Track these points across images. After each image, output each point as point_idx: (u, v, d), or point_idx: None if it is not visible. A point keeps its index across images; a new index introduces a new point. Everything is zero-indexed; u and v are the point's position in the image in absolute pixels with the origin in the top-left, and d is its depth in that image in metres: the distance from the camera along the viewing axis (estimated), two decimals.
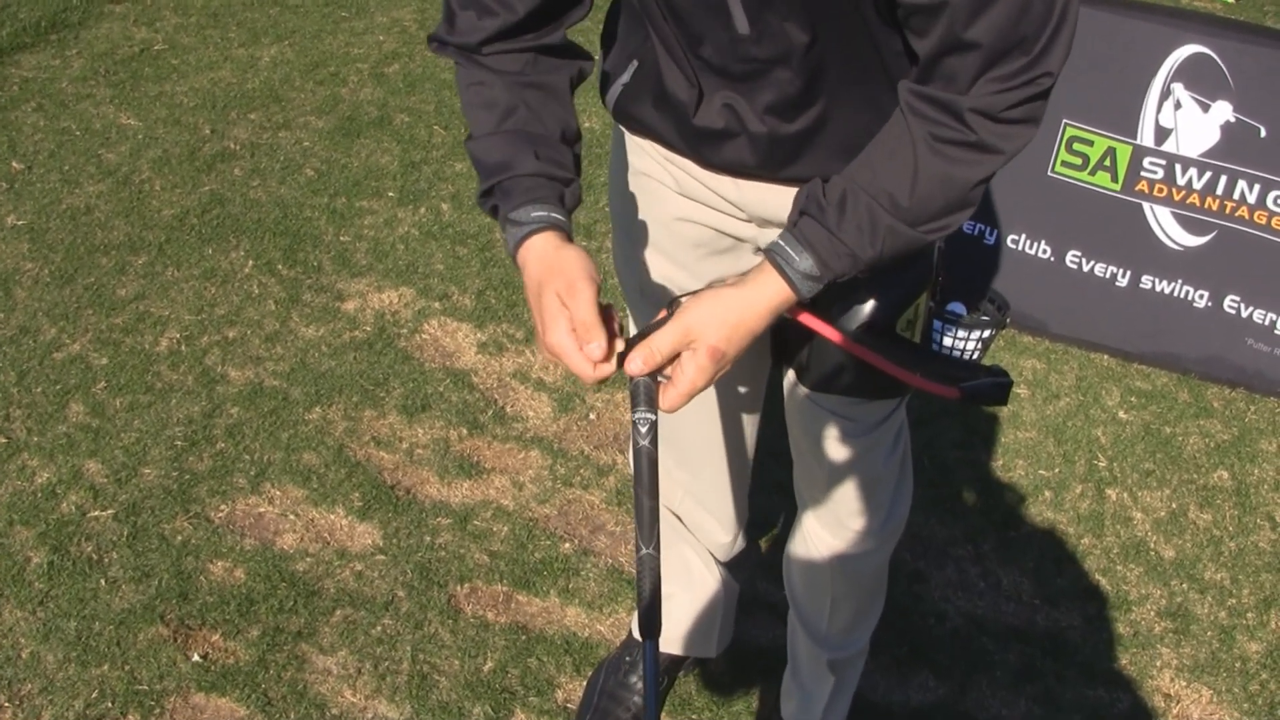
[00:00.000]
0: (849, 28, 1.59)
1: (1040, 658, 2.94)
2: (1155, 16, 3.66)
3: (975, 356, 3.76)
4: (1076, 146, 3.75)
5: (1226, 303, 3.73)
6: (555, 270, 1.59)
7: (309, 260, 3.94)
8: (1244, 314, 3.71)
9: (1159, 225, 3.74)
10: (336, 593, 2.90)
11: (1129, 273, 3.81)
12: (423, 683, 2.71)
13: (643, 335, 1.57)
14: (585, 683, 2.75)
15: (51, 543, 2.94)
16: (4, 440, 3.21)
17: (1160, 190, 3.70)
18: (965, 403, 1.86)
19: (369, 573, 2.95)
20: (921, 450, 3.41)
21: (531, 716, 2.68)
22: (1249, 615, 3.08)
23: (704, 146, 1.82)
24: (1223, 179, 3.63)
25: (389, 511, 3.11)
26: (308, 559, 2.97)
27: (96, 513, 3.03)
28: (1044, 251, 3.91)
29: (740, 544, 2.60)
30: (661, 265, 2.05)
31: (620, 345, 1.57)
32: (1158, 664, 2.96)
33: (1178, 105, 3.63)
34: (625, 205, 2.06)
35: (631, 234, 2.06)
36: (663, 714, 2.69)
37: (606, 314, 1.58)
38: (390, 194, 4.31)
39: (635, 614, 2.74)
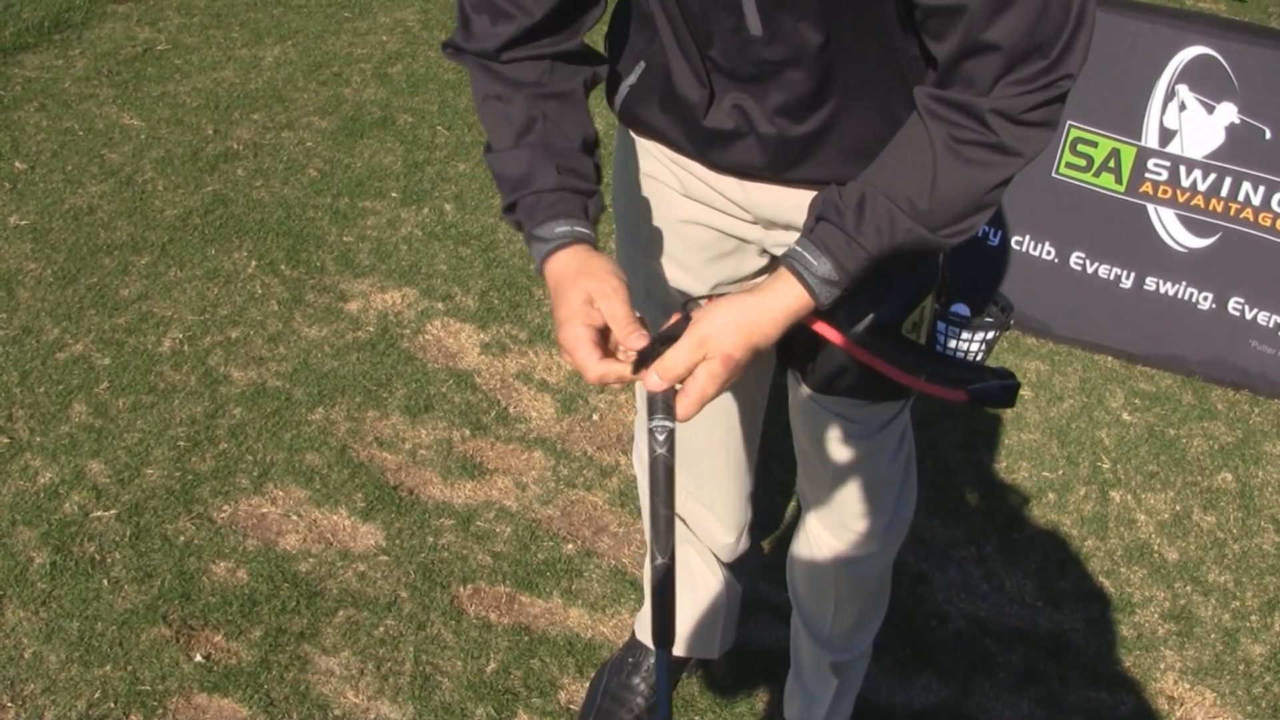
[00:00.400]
0: (864, 29, 1.59)
1: (1043, 660, 2.94)
2: (1160, 18, 3.66)
3: (979, 358, 3.75)
4: (1081, 148, 3.75)
5: (1231, 305, 3.72)
6: (585, 272, 1.60)
7: (312, 261, 3.93)
8: (1248, 316, 3.71)
9: (1163, 227, 3.74)
10: (339, 593, 2.90)
11: (1133, 274, 3.80)
12: (425, 684, 2.71)
13: (660, 340, 1.56)
14: (588, 684, 2.74)
15: (54, 543, 2.94)
16: (7, 440, 3.20)
17: (1165, 192, 3.70)
18: (972, 405, 1.85)
19: (372, 573, 2.95)
20: (925, 452, 3.41)
21: (534, 718, 2.68)
22: (1253, 618, 3.08)
23: (712, 148, 1.82)
24: (1227, 181, 3.62)
25: (392, 512, 3.10)
26: (310, 559, 2.97)
27: (99, 513, 3.03)
28: (1048, 253, 3.90)
29: (744, 545, 2.59)
30: (666, 267, 2.05)
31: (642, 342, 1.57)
32: (1161, 666, 2.96)
33: (1182, 107, 3.63)
34: (630, 207, 2.06)
35: (636, 236, 2.06)
36: None
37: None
38: (393, 194, 4.31)
39: (638, 615, 2.74)
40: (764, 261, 2.04)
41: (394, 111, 4.82)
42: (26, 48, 5.07)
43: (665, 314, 1.66)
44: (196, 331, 3.60)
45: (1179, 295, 3.77)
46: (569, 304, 1.59)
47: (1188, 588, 3.14)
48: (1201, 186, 3.66)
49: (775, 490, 3.17)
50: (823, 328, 1.77)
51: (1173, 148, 3.65)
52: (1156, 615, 3.07)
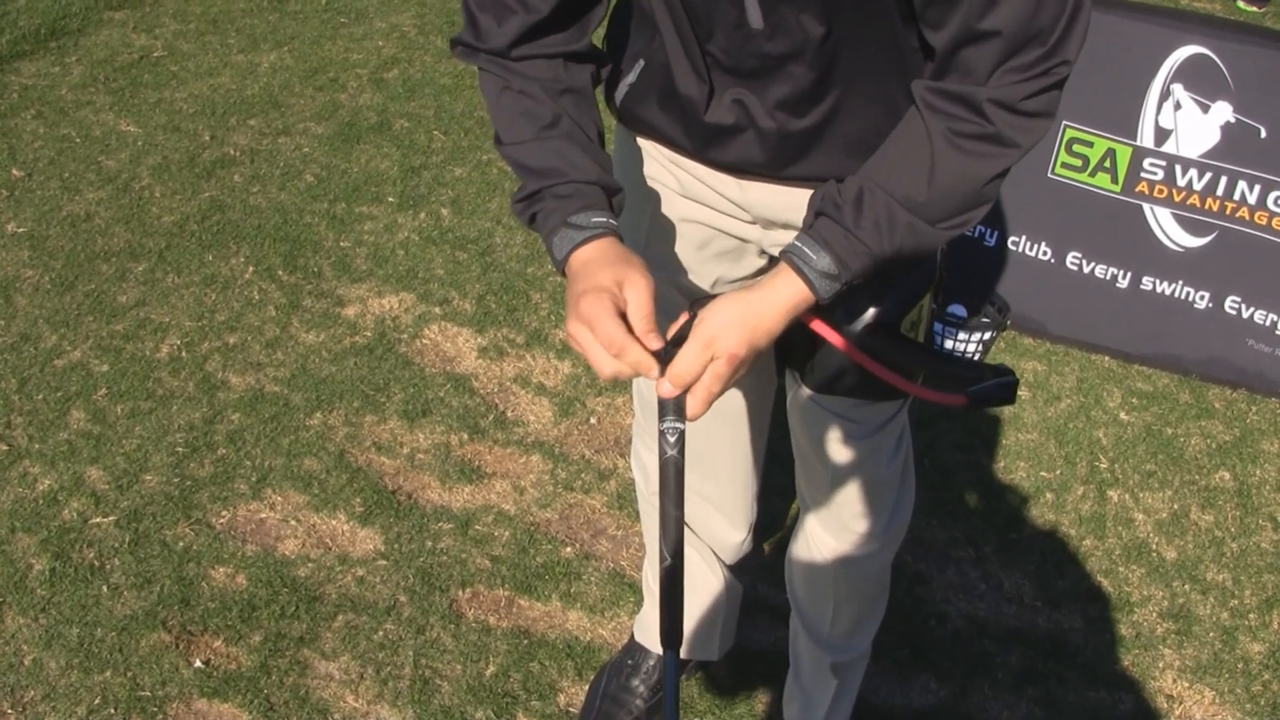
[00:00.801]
0: (865, 21, 1.59)
1: (1042, 660, 2.94)
2: (1155, 17, 3.66)
3: (976, 359, 3.76)
4: (1076, 148, 3.75)
5: (1227, 304, 3.73)
6: (622, 260, 1.60)
7: (309, 266, 3.94)
8: (1245, 315, 3.71)
9: (1159, 226, 3.74)
10: (338, 598, 2.90)
11: (1129, 274, 3.81)
12: (425, 687, 2.71)
13: (674, 342, 1.57)
14: (587, 686, 2.75)
15: (53, 550, 2.94)
16: (5, 447, 3.21)
17: (1160, 191, 3.70)
18: (972, 408, 1.85)
19: (371, 578, 2.95)
20: (923, 453, 3.41)
21: None
22: (1251, 616, 3.08)
23: (712, 145, 1.82)
24: (1223, 180, 3.63)
25: (390, 517, 3.11)
26: (309, 564, 2.97)
27: (98, 519, 3.03)
28: (1044, 253, 3.91)
29: (748, 545, 2.60)
30: (665, 267, 2.05)
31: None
32: (1160, 665, 2.96)
33: (1178, 106, 3.63)
34: (629, 208, 2.07)
35: (635, 236, 2.07)
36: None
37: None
38: (390, 199, 4.31)
39: (637, 617, 2.75)
40: (763, 262, 2.05)
41: (390, 117, 4.83)
42: (23, 55, 5.07)
43: (664, 313, 1.66)
44: (194, 338, 3.60)
45: (1175, 295, 3.78)
46: (596, 279, 1.57)
47: (1186, 586, 3.14)
48: (1197, 186, 3.66)
49: (774, 492, 3.17)
50: (822, 328, 1.77)
51: (1168, 147, 3.66)
52: (1155, 614, 3.07)
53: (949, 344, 3.73)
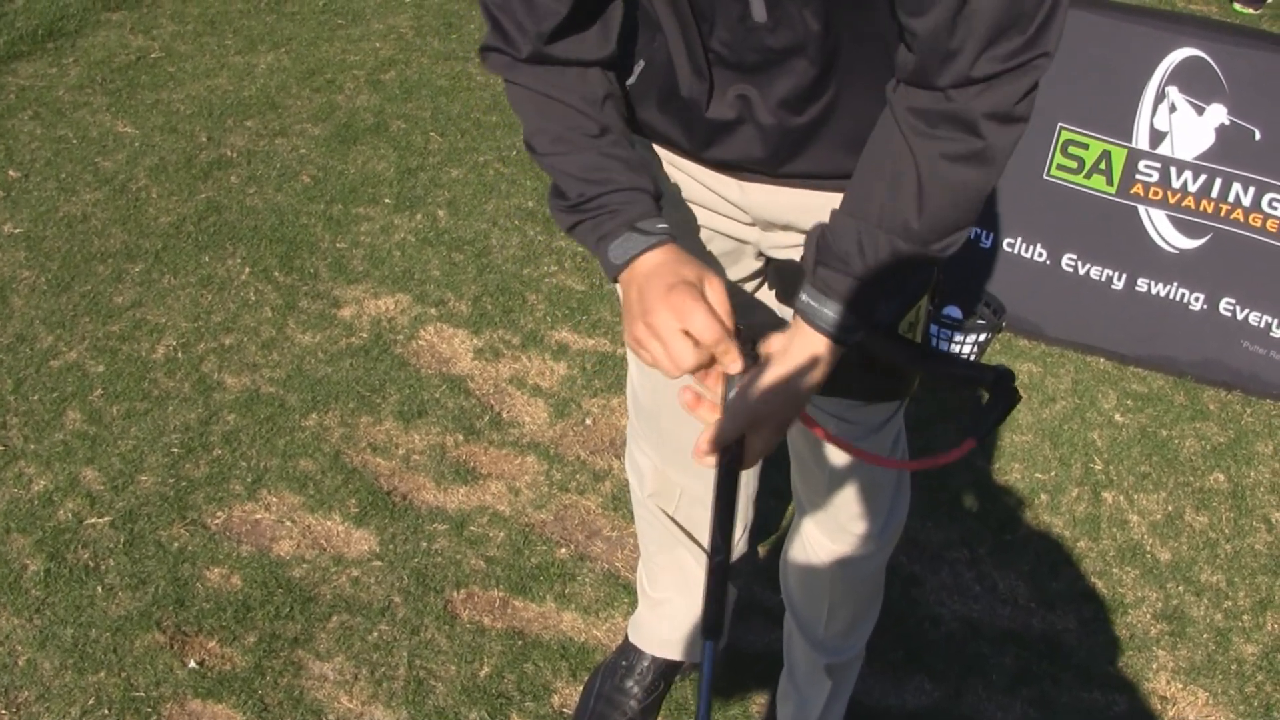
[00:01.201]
0: (865, 13, 1.60)
1: (1036, 661, 2.94)
2: (1149, 20, 3.67)
3: (971, 360, 3.76)
4: (1072, 150, 3.76)
5: (1222, 305, 3.73)
6: (694, 264, 1.64)
7: (305, 267, 3.94)
8: (1239, 316, 3.72)
9: (1154, 228, 3.74)
10: (333, 599, 2.90)
11: (1125, 276, 3.81)
12: (419, 688, 2.72)
13: (747, 334, 1.65)
14: (581, 687, 2.75)
15: (48, 550, 2.95)
16: (1, 448, 3.21)
17: (1155, 193, 3.71)
18: (984, 437, 1.86)
19: (365, 579, 2.96)
20: (919, 452, 3.41)
21: None
22: (1245, 617, 3.09)
23: (713, 143, 1.82)
24: (1217, 182, 3.63)
25: (385, 518, 3.11)
26: (304, 565, 2.97)
27: (93, 520, 3.03)
28: (1040, 255, 3.91)
29: (743, 547, 2.60)
30: None
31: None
32: (1154, 666, 2.96)
33: (1172, 108, 3.64)
34: None
35: None
36: (659, 718, 2.69)
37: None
38: (386, 201, 4.31)
39: (631, 618, 2.75)
40: (759, 264, 2.05)
41: (387, 118, 4.83)
42: (20, 56, 5.07)
43: None
44: (190, 338, 3.61)
45: (1170, 296, 3.78)
46: (680, 274, 1.62)
47: (1180, 588, 3.15)
48: (1192, 188, 3.67)
49: (769, 494, 3.17)
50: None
51: (1163, 149, 3.66)
52: (1149, 615, 3.08)
53: (944, 346, 3.73)
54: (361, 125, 4.76)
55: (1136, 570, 3.19)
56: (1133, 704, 2.89)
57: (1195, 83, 3.59)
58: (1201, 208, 3.67)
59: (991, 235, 3.96)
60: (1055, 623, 3.04)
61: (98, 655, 2.72)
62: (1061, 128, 3.74)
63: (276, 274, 3.90)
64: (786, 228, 1.92)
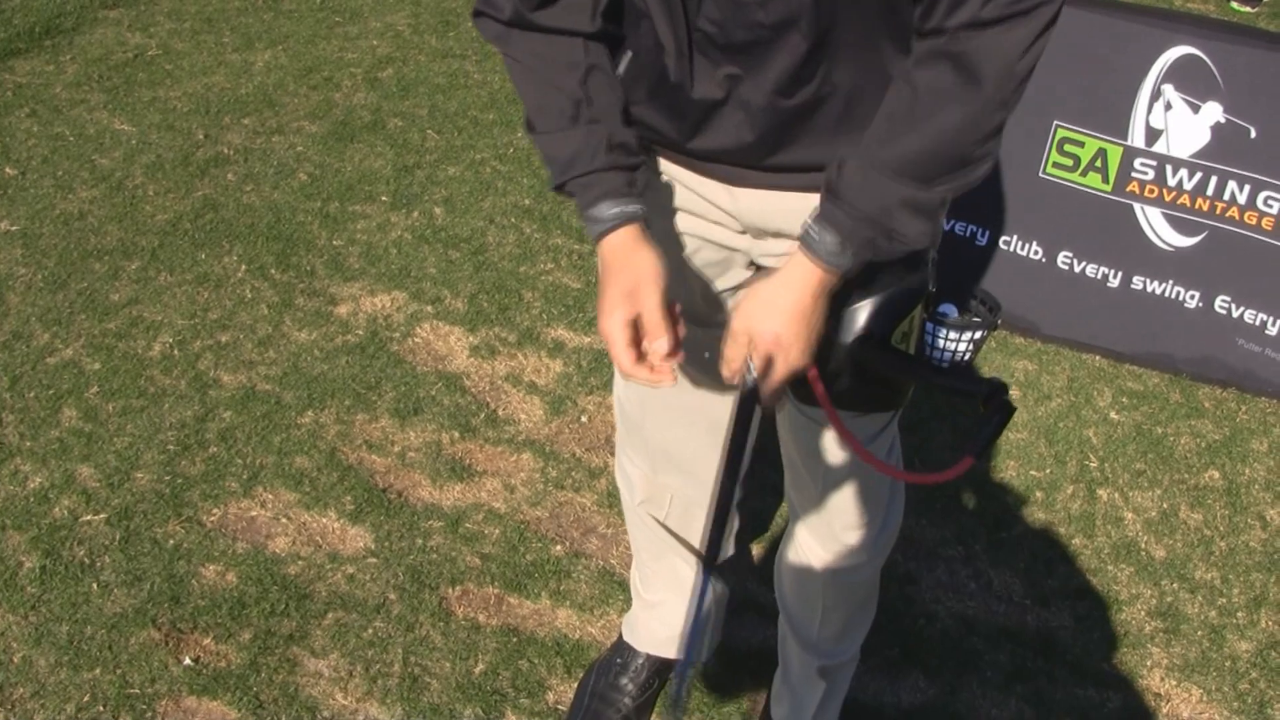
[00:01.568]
0: None
1: (1031, 658, 2.95)
2: (1145, 18, 3.67)
3: (967, 358, 3.76)
4: (1067, 148, 3.76)
5: (1217, 303, 3.74)
6: (626, 268, 1.73)
7: (302, 265, 3.94)
8: (1235, 314, 3.72)
9: (1150, 226, 3.75)
10: (328, 596, 2.90)
11: (1120, 273, 3.81)
12: (414, 685, 2.72)
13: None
14: (576, 684, 2.75)
15: (44, 547, 2.95)
16: None
17: (1151, 191, 3.71)
18: (982, 453, 1.89)
19: (361, 576, 2.96)
20: (913, 453, 3.42)
21: (522, 718, 2.69)
22: (1239, 614, 3.09)
23: (701, 129, 1.82)
24: (1213, 180, 3.64)
25: (381, 514, 3.11)
26: (300, 562, 2.98)
27: (89, 517, 3.04)
28: (1035, 253, 3.91)
29: (730, 550, 2.60)
30: None
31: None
32: (1148, 663, 2.97)
33: (1168, 106, 3.64)
34: None
35: None
36: (652, 715, 2.70)
37: (671, 311, 1.74)
38: (383, 198, 4.32)
39: (626, 616, 2.75)
40: (750, 273, 2.05)
41: (384, 116, 4.83)
42: (18, 53, 5.08)
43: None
44: (186, 336, 3.61)
45: (1166, 294, 3.79)
46: (609, 296, 1.72)
47: (1175, 585, 3.15)
48: (1188, 186, 3.67)
49: (765, 492, 3.18)
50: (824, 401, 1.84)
51: (1159, 147, 3.67)
52: (1144, 612, 3.08)
53: (940, 343, 3.73)
54: (359, 123, 4.77)
55: (1131, 567, 3.19)
56: (1127, 701, 2.89)
57: (1191, 81, 3.59)
58: (1197, 206, 3.68)
59: (987, 233, 3.96)
60: (1050, 620, 3.05)
61: (93, 652, 2.73)
62: (1057, 125, 3.75)
63: (273, 271, 3.90)
64: (778, 234, 1.93)
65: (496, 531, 3.11)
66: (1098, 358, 3.88)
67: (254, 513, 3.09)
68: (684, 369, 2.22)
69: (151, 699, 2.64)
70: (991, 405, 1.72)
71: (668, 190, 1.96)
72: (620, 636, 2.76)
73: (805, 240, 1.69)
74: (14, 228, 4.02)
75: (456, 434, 3.38)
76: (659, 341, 1.69)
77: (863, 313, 1.85)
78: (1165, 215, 3.72)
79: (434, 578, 2.97)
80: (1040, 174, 3.82)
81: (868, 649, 2.75)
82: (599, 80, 1.79)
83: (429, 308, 3.81)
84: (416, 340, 3.69)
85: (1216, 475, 3.48)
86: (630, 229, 1.76)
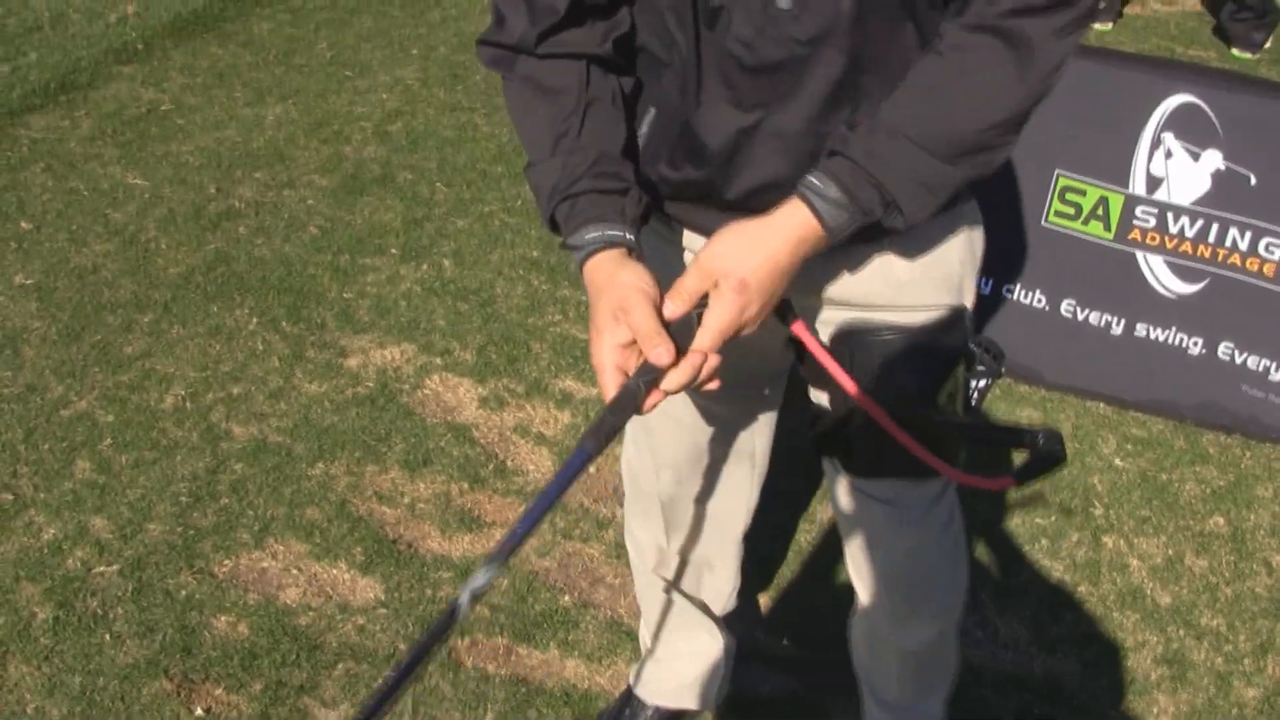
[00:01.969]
0: None
1: (1038, 704, 2.96)
2: (1144, 67, 3.72)
3: (971, 405, 3.79)
4: (1069, 196, 3.80)
5: (1220, 349, 3.76)
6: (610, 288, 1.57)
7: (312, 317, 3.99)
8: (1238, 360, 3.74)
9: (1152, 273, 3.78)
10: (339, 646, 2.93)
11: (1123, 321, 3.84)
12: None
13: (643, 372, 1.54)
14: None
15: (57, 598, 2.98)
16: (11, 497, 3.25)
17: (1153, 239, 3.74)
18: (1021, 485, 1.82)
19: (371, 626, 2.98)
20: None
21: None
22: (1246, 661, 3.10)
23: (733, 168, 1.74)
24: (1214, 227, 3.67)
25: (391, 565, 3.14)
26: (310, 613, 3.00)
27: (102, 568, 3.07)
28: (1039, 301, 3.94)
29: (731, 603, 2.62)
30: None
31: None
32: (1155, 710, 2.97)
33: (1168, 154, 3.68)
34: None
35: None
36: None
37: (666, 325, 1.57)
38: (393, 251, 4.36)
39: (634, 668, 2.77)
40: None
41: (394, 169, 4.89)
42: (33, 109, 5.15)
43: None
44: (199, 388, 3.65)
45: (1169, 341, 3.81)
46: (596, 321, 1.57)
47: (1180, 631, 3.16)
48: (1189, 233, 3.70)
49: (774, 534, 3.20)
50: (866, 402, 1.77)
51: (1160, 195, 3.70)
52: (1150, 659, 3.09)
53: None
54: (368, 176, 4.82)
55: (1137, 614, 3.20)
56: None
57: (1191, 128, 3.63)
58: (1199, 253, 3.71)
59: (990, 281, 3.99)
60: (1056, 667, 3.06)
61: (105, 703, 2.75)
62: (1059, 174, 3.79)
63: (284, 324, 3.94)
64: (805, 291, 1.89)
65: (505, 582, 3.13)
66: (1102, 405, 3.90)
67: (265, 564, 3.12)
68: (700, 429, 2.23)
69: None
70: (1045, 449, 1.72)
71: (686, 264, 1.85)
72: (628, 686, 2.78)
73: (803, 189, 1.59)
74: (29, 281, 4.07)
75: (466, 485, 3.41)
76: (656, 351, 1.51)
77: (906, 375, 1.85)
78: (1167, 262, 3.75)
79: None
80: (1043, 223, 3.85)
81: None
82: (599, 111, 1.71)
83: (438, 359, 3.85)
84: (426, 392, 3.72)
85: (1222, 521, 3.49)
86: (611, 252, 1.62)
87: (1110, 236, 3.79)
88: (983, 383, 3.79)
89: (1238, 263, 3.68)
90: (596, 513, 3.35)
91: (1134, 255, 3.78)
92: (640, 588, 2.62)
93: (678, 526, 2.39)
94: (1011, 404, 3.88)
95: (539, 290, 4.20)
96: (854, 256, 1.84)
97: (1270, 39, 6.39)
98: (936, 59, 1.58)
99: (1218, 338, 3.77)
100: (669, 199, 1.85)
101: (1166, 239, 3.73)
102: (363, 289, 4.15)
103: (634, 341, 1.54)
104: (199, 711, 2.75)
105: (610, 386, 1.54)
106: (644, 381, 1.51)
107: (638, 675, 2.74)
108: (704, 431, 2.24)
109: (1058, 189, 3.81)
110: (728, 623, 2.65)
